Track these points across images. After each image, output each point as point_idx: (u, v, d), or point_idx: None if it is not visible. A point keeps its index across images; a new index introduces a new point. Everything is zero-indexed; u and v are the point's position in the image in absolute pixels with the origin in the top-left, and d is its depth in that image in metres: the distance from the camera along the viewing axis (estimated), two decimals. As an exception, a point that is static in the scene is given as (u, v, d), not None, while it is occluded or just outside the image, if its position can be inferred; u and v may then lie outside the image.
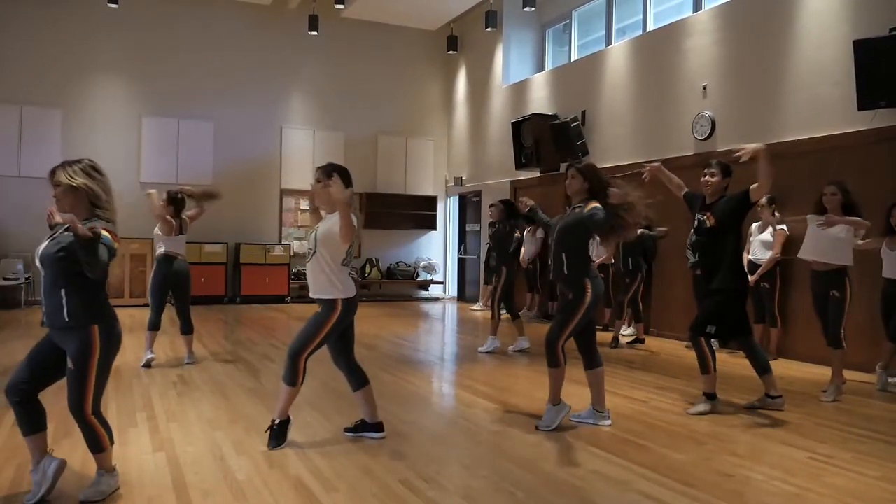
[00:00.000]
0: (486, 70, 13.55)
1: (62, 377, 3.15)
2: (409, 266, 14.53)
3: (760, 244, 7.33)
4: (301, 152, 13.61)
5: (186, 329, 6.61)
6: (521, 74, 12.83)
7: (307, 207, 13.22)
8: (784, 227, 7.02)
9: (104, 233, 2.99)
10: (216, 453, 3.88)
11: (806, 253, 5.66)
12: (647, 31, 10.13)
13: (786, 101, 7.64)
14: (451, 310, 12.86)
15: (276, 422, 4.03)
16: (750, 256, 7.32)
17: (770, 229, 7.23)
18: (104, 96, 12.31)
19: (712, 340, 5.13)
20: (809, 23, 7.44)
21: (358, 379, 4.19)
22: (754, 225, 7.38)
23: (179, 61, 12.69)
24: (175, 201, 6.50)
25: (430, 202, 14.79)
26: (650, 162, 5.40)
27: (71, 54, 11.97)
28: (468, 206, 14.28)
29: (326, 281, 3.98)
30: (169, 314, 6.63)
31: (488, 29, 12.31)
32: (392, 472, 3.62)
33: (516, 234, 8.10)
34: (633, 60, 9.93)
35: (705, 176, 5.06)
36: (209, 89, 12.89)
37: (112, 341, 3.16)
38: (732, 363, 6.87)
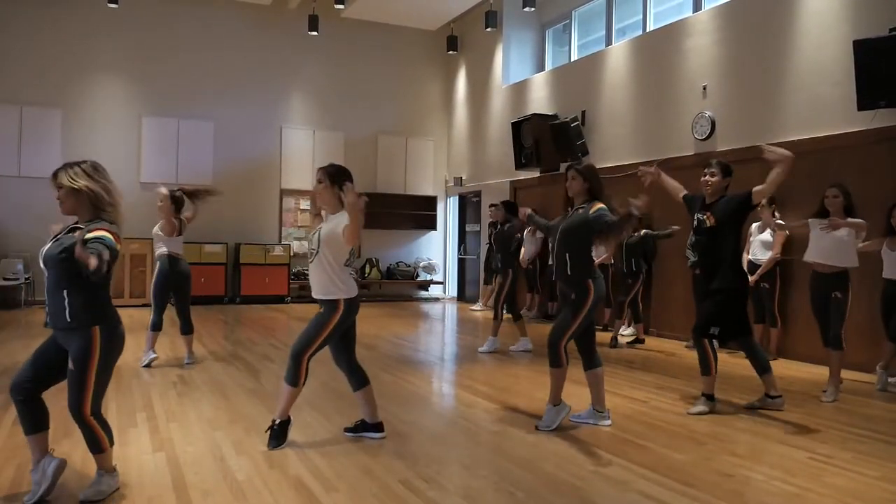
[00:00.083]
0: (486, 70, 13.55)
1: (66, 377, 3.15)
2: (409, 266, 14.53)
3: (760, 244, 7.33)
4: (301, 152, 13.61)
5: (186, 329, 6.61)
6: (521, 74, 12.83)
7: (307, 207, 13.24)
8: (782, 222, 7.02)
9: (106, 234, 2.98)
10: (216, 453, 3.88)
11: (811, 256, 5.66)
12: (647, 31, 10.13)
13: (786, 101, 7.64)
14: (451, 310, 12.86)
15: (277, 422, 4.03)
16: (750, 256, 7.32)
17: (769, 231, 7.23)
18: (104, 96, 12.31)
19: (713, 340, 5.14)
20: (809, 23, 7.44)
21: (358, 379, 4.20)
22: (754, 225, 7.37)
23: (179, 61, 12.69)
24: (175, 201, 6.50)
25: (430, 202, 14.80)
26: (650, 162, 5.40)
27: (71, 54, 11.97)
28: (468, 206, 14.27)
29: (329, 281, 4.00)
30: (169, 314, 6.63)
31: (488, 29, 12.31)
32: (392, 472, 3.62)
33: (517, 235, 8.11)
34: (633, 60, 9.92)
35: (705, 176, 5.06)
36: (209, 89, 12.89)
37: (114, 342, 3.17)
38: (732, 363, 6.87)
